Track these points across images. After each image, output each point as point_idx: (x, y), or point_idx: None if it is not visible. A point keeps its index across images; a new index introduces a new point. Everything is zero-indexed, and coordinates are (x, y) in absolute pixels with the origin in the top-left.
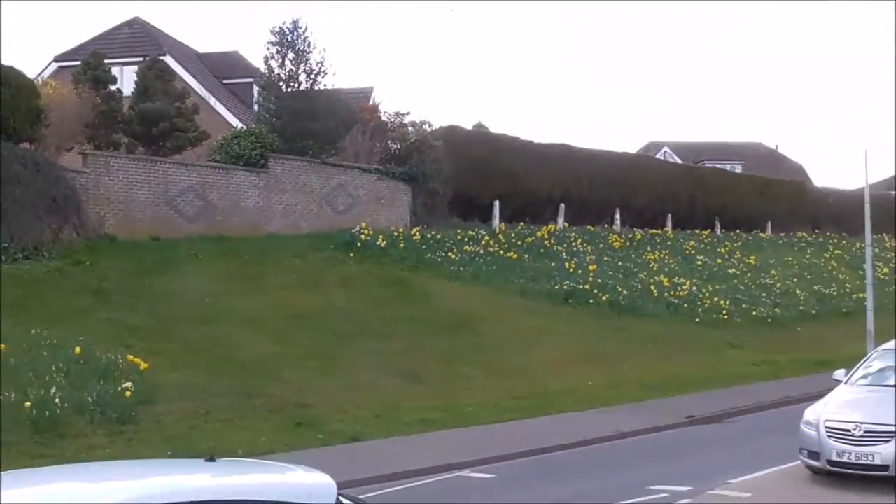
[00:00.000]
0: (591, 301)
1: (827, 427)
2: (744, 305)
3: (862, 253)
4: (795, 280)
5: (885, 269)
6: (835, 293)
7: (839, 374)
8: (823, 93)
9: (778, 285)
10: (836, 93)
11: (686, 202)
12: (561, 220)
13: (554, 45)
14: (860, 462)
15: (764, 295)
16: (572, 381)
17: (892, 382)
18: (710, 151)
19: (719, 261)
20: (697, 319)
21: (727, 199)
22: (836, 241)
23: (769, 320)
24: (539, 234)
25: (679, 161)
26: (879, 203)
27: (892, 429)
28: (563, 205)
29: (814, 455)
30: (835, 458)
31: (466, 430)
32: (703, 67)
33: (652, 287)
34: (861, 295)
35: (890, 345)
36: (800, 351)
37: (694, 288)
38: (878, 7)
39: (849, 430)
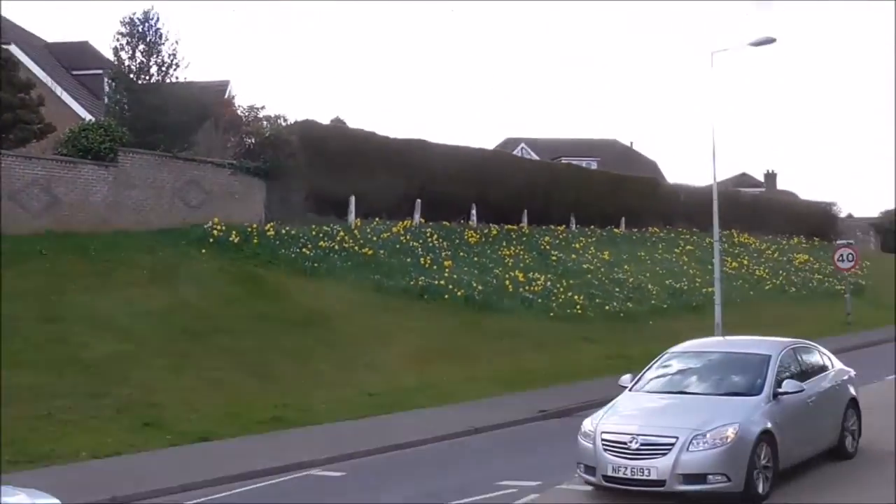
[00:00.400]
0: (446, 297)
1: (604, 439)
2: (597, 300)
3: (711, 248)
4: (648, 275)
5: (734, 264)
6: (685, 287)
7: (625, 379)
8: (676, 92)
9: (631, 280)
10: (688, 92)
11: (542, 198)
12: (417, 215)
13: (414, 40)
14: (636, 477)
15: (617, 290)
16: (427, 378)
17: (678, 389)
18: (566, 148)
19: (574, 256)
20: (552, 314)
21: (582, 195)
22: (687, 236)
23: (622, 315)
24: (395, 229)
25: (536, 157)
26: (728, 200)
27: (672, 441)
28: (419, 200)
29: (590, 470)
30: (610, 472)
31: (319, 428)
32: (562, 65)
33: (507, 283)
34: (710, 289)
35: (678, 347)
36: (651, 344)
37: (549, 283)
38: (719, 7)
39: (625, 443)
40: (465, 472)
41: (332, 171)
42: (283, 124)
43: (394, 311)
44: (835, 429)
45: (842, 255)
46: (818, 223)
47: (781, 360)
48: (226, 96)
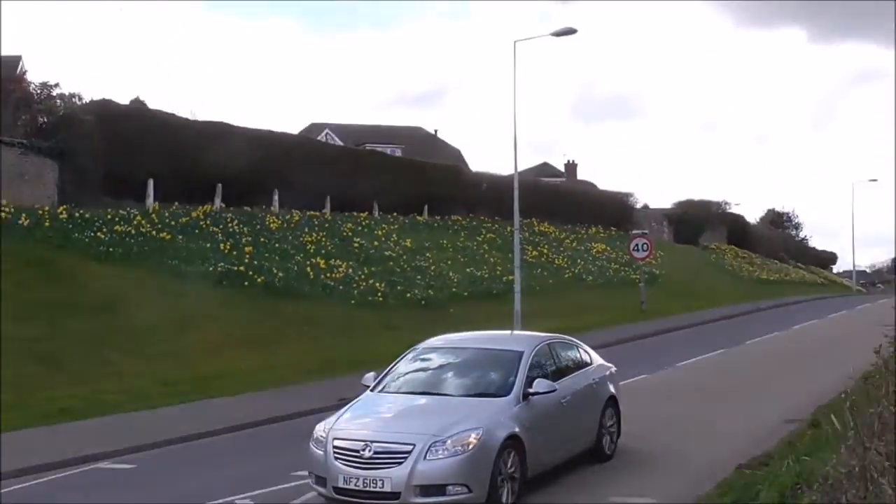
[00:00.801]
0: (246, 283)
1: (335, 446)
2: (399, 287)
3: (512, 237)
4: (449, 262)
5: (534, 252)
6: (486, 275)
7: (368, 377)
8: (482, 80)
9: (432, 268)
10: (493, 80)
11: (345, 185)
12: (218, 200)
13: (218, 21)
14: (368, 489)
15: (419, 277)
16: (225, 365)
17: (423, 389)
18: (371, 135)
19: (376, 243)
20: (353, 301)
21: (385, 182)
22: (489, 224)
23: (423, 302)
24: (194, 214)
25: (340, 143)
26: (529, 189)
27: (408, 448)
28: (220, 185)
29: (321, 480)
30: (341, 484)
31: (111, 419)
32: (371, 52)
33: (309, 269)
34: (510, 277)
35: (429, 342)
36: (452, 331)
37: (350, 270)
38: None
39: (358, 451)
40: (262, 461)
41: (130, 152)
42: (79, 103)
43: (192, 298)
44: (591, 430)
45: (637, 245)
46: (616, 213)
47: (535, 358)
48: (17, 72)
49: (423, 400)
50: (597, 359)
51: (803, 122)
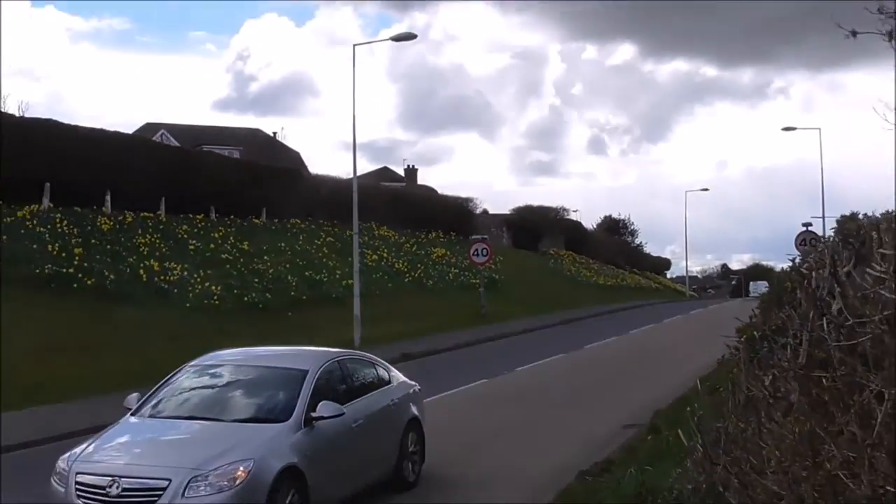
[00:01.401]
0: (75, 286)
1: (78, 482)
2: (235, 291)
3: (351, 240)
4: (288, 266)
5: (374, 257)
6: (325, 279)
7: (131, 399)
8: (324, 84)
9: (270, 271)
10: (334, 83)
11: (181, 186)
12: (46, 200)
13: (51, 18)
14: None
15: (256, 280)
16: (45, 374)
17: (191, 413)
18: (209, 136)
19: (213, 246)
20: (188, 305)
21: (223, 184)
22: (328, 228)
23: (260, 306)
24: (20, 213)
25: (177, 144)
26: (369, 193)
27: (163, 484)
28: (48, 184)
29: None
30: None
31: None
32: (210, 54)
33: (141, 272)
34: (350, 281)
35: (203, 359)
36: (290, 337)
37: (185, 273)
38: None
39: (103, 488)
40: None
41: None
42: None
43: (14, 301)
44: (390, 456)
45: (477, 250)
46: (456, 218)
47: (322, 377)
48: None
49: (188, 426)
50: (398, 377)
51: (638, 133)
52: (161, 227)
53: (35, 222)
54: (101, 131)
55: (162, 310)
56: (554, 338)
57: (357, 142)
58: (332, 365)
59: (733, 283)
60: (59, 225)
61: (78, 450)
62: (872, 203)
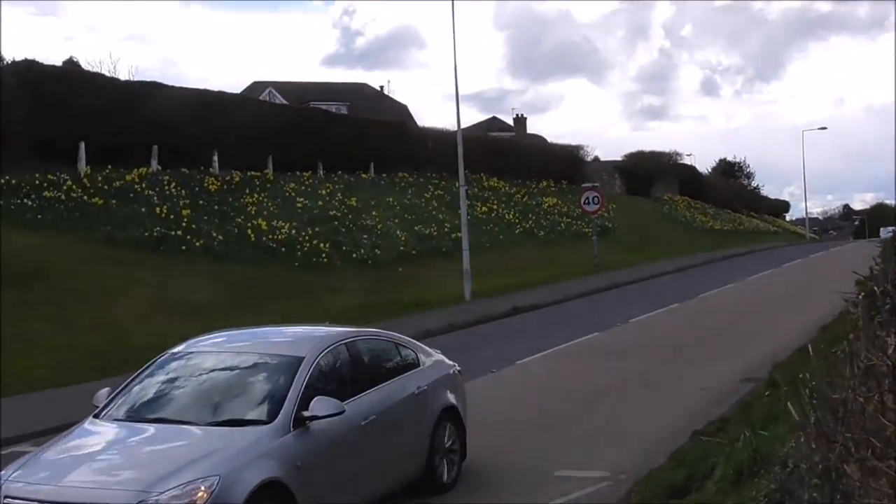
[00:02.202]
0: (184, 248)
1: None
2: (344, 248)
3: (460, 193)
4: (396, 221)
5: (483, 209)
6: (434, 233)
7: (100, 395)
8: (432, 34)
9: (379, 226)
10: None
11: (287, 144)
12: (154, 162)
13: None
14: None
15: (365, 236)
16: (160, 335)
17: (157, 414)
18: (315, 93)
19: (320, 203)
20: (297, 263)
21: (329, 140)
22: (437, 181)
23: (370, 262)
24: (129, 177)
25: (284, 101)
26: (477, 144)
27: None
28: (155, 147)
29: None
30: None
31: (39, 395)
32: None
33: (249, 231)
34: (459, 234)
35: (182, 347)
36: (400, 292)
37: (293, 231)
38: None
39: None
40: None
41: (59, 115)
42: (1, 65)
43: (126, 265)
44: (418, 454)
45: (588, 198)
46: (566, 166)
47: (320, 365)
48: None
49: (150, 431)
50: (429, 357)
51: (751, 72)
52: (268, 185)
53: (143, 185)
54: (207, 91)
55: (270, 269)
56: (669, 286)
57: (464, 93)
58: (337, 349)
59: (856, 223)
60: (167, 187)
61: (14, 464)
62: None
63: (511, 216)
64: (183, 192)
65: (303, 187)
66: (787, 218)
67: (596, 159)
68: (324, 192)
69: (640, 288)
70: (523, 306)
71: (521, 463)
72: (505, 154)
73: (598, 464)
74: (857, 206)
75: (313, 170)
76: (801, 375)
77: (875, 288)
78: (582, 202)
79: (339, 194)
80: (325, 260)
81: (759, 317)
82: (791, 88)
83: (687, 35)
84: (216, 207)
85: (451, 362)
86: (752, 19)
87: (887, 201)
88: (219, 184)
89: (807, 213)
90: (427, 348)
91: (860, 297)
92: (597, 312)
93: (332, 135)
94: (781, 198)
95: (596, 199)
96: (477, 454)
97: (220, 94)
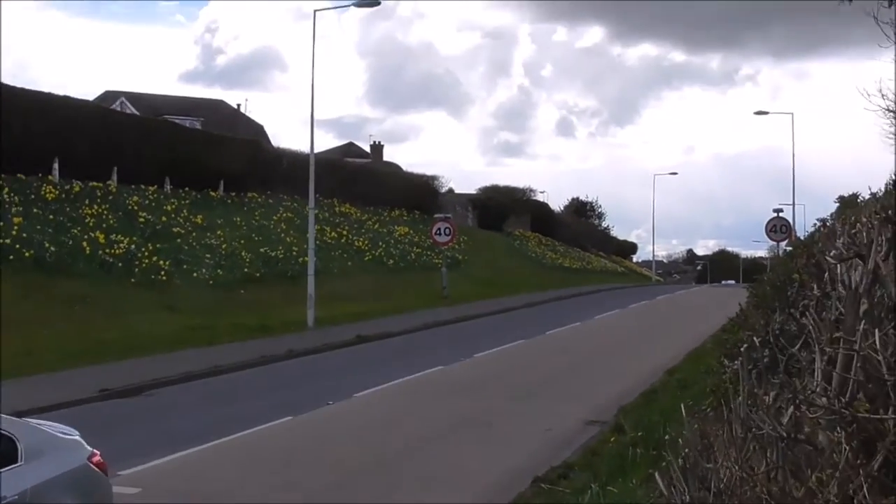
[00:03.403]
0: (11, 257)
1: None
2: (185, 266)
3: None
4: (243, 241)
5: (333, 234)
6: (281, 256)
7: None
8: (291, 59)
9: (224, 246)
10: (298, 53)
11: (135, 156)
12: None
13: None
14: None
15: (208, 256)
16: None
17: None
18: (170, 106)
19: (164, 218)
20: (133, 280)
21: (180, 155)
22: (288, 203)
23: (211, 282)
24: None
25: (136, 113)
26: (331, 168)
27: None
28: None
29: None
30: None
31: None
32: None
33: (85, 244)
34: (306, 259)
35: None
36: (241, 315)
37: (133, 246)
38: None
39: None
40: None
41: None
42: None
43: None
44: None
45: (440, 229)
46: (420, 196)
47: None
48: None
49: None
50: (47, 443)
51: (606, 116)
52: (110, 197)
53: None
54: (50, 95)
55: (105, 284)
56: (516, 322)
57: (324, 118)
58: None
59: (698, 268)
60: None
61: None
62: (838, 190)
63: (361, 243)
64: (17, 198)
65: (147, 201)
66: (635, 259)
67: (450, 191)
68: (169, 207)
69: (488, 322)
70: (368, 335)
71: None
72: (359, 180)
73: None
74: (700, 251)
75: (160, 184)
76: (665, 436)
77: (755, 339)
78: (433, 233)
79: (184, 211)
80: (164, 278)
81: (605, 357)
82: (644, 134)
83: (546, 75)
84: (51, 217)
85: (88, 448)
86: (610, 64)
87: (728, 248)
88: (57, 192)
89: (654, 256)
90: (48, 428)
91: (740, 348)
92: (442, 345)
93: (183, 149)
94: (630, 239)
95: (448, 230)
96: (307, 494)
97: (66, 98)
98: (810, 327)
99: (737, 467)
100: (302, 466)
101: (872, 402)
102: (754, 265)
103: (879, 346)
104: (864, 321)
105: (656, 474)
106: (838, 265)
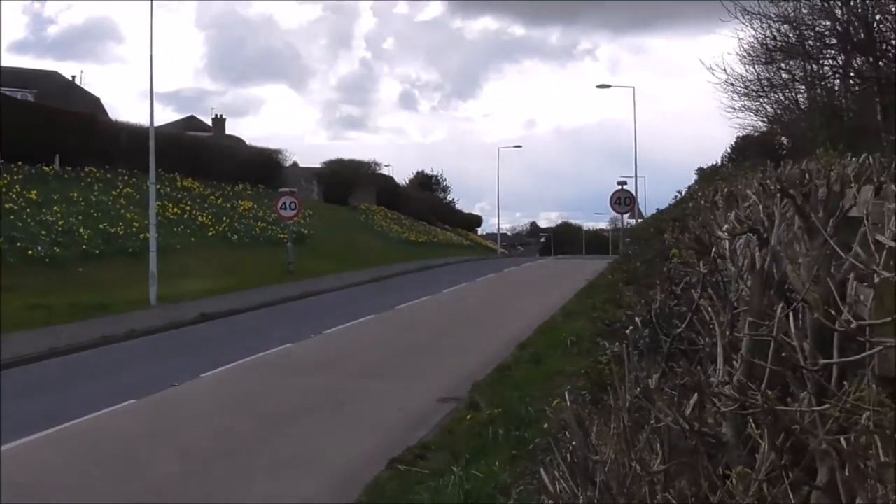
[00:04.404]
0: None
1: None
2: (19, 244)
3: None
4: (80, 217)
5: (175, 209)
6: (122, 232)
7: None
8: (127, 31)
9: (60, 223)
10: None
11: None
12: None
13: None
14: None
15: (43, 233)
16: None
17: None
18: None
19: None
20: None
21: (11, 128)
22: (127, 178)
23: (48, 260)
24: None
25: None
26: (172, 142)
27: None
28: None
29: None
30: None
31: None
32: None
33: None
34: (147, 235)
35: None
36: (80, 294)
37: None
38: None
39: None
40: None
41: None
42: None
43: None
44: None
45: (284, 203)
46: (264, 170)
47: None
48: None
49: None
50: None
51: (449, 89)
52: None
53: None
54: None
55: None
56: (364, 296)
57: (162, 91)
58: None
59: (542, 240)
60: None
61: None
62: (677, 163)
63: (204, 218)
64: None
65: None
66: (479, 232)
67: (295, 165)
68: (0, 182)
69: (336, 297)
70: (212, 313)
71: (200, 497)
72: (201, 154)
73: (287, 497)
74: (543, 223)
75: None
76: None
77: (636, 319)
78: (278, 207)
79: (17, 186)
80: None
81: (456, 331)
82: (486, 107)
83: (388, 48)
84: None
85: None
86: (451, 37)
87: (571, 220)
88: None
89: (499, 228)
90: None
91: (615, 327)
92: (289, 322)
93: (14, 122)
94: (474, 212)
95: (293, 204)
96: (151, 484)
97: None
98: (704, 309)
99: (634, 463)
100: (146, 454)
101: (784, 392)
102: (596, 237)
103: (794, 331)
104: (780, 305)
105: (541, 471)
106: (727, 242)
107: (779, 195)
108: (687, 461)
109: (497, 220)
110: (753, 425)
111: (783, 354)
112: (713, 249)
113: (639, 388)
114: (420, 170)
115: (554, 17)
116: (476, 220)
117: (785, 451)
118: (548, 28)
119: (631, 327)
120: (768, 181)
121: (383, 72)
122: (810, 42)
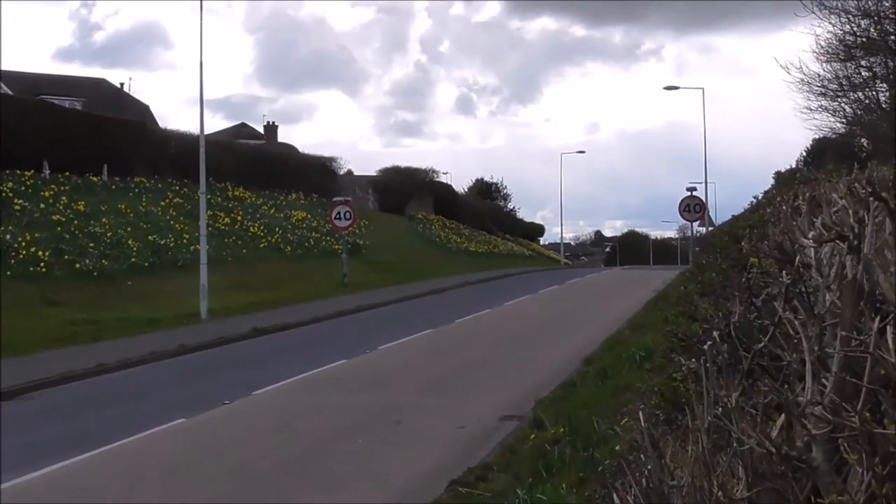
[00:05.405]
0: None
1: None
2: (67, 257)
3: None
4: (129, 229)
5: (227, 220)
6: (171, 244)
7: None
8: (176, 36)
9: (109, 235)
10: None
11: (10, 138)
12: None
13: None
14: None
15: (92, 245)
16: None
17: None
18: (49, 85)
19: (42, 206)
20: (9, 273)
21: (60, 137)
22: (177, 188)
23: (96, 273)
24: None
25: (10, 93)
26: (224, 150)
27: None
28: None
29: None
30: None
31: None
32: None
33: None
34: (197, 247)
35: None
36: (128, 308)
37: (8, 236)
38: None
39: None
40: None
41: None
42: None
43: None
44: None
45: (339, 213)
46: (318, 179)
47: None
48: None
49: None
50: None
51: (507, 93)
52: None
53: None
54: None
55: None
56: (422, 310)
57: (211, 98)
58: None
59: (607, 250)
60: None
61: None
62: (747, 168)
63: (256, 229)
64: None
65: (23, 187)
66: (542, 241)
67: (349, 173)
68: (47, 193)
69: (393, 310)
70: (265, 328)
71: None
72: (253, 162)
73: None
74: (608, 232)
75: (38, 169)
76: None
77: (714, 334)
78: (332, 217)
79: (64, 197)
80: (44, 269)
81: (517, 346)
82: (547, 111)
83: (444, 51)
84: None
85: None
86: (509, 39)
87: (637, 229)
88: None
89: (562, 238)
90: None
91: (693, 342)
92: (345, 337)
93: (63, 131)
94: (535, 221)
95: (348, 213)
96: (210, 498)
97: None
98: (789, 323)
99: (715, 489)
100: (196, 474)
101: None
102: (663, 246)
103: (892, 346)
104: (872, 317)
105: (613, 495)
106: (812, 250)
107: (870, 199)
108: (773, 487)
109: (560, 229)
110: (847, 449)
111: (882, 372)
112: (797, 258)
113: (719, 408)
114: (479, 177)
115: (615, 17)
116: (538, 230)
117: (884, 477)
118: (609, 28)
119: (709, 342)
120: (857, 184)
121: (439, 76)
122: (893, 37)
